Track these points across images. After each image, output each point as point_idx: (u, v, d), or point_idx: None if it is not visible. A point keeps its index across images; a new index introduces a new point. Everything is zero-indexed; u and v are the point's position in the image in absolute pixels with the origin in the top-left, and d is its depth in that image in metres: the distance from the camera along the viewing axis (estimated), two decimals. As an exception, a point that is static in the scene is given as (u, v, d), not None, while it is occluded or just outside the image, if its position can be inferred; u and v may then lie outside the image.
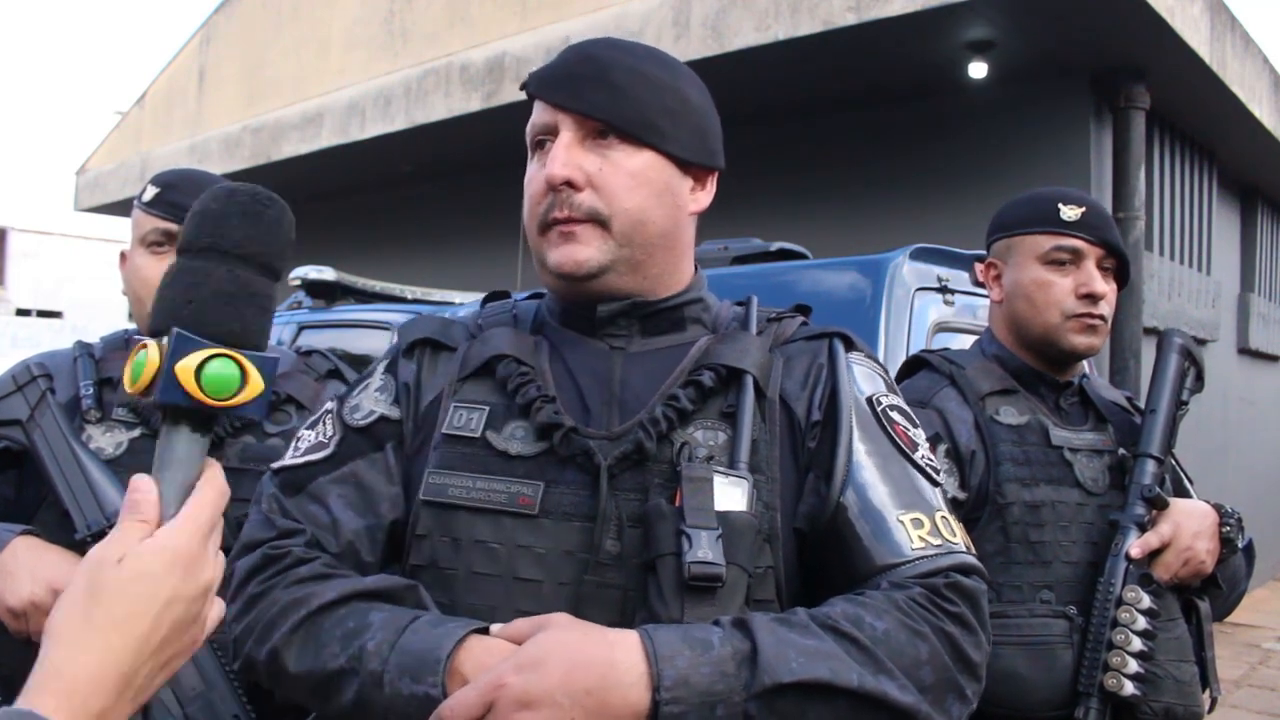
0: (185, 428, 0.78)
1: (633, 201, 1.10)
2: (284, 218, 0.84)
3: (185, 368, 0.75)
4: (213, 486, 0.77)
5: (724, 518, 0.98)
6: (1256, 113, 7.23)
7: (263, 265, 0.82)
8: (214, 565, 0.75)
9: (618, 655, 0.89)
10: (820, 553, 1.07)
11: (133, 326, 1.77)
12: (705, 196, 1.19)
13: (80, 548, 1.49)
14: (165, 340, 0.76)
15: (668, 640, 0.90)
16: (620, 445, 1.06)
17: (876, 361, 1.20)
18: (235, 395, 0.77)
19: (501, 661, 0.90)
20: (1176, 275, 7.42)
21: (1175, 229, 7.45)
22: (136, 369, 0.76)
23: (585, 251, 1.10)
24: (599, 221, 1.09)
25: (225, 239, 0.80)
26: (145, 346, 0.76)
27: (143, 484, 0.75)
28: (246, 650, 1.04)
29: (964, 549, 1.07)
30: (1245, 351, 9.09)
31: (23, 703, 0.65)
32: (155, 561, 0.71)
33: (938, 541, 1.05)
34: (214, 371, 0.76)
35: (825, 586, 1.05)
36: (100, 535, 1.48)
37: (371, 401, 1.17)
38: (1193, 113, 7.13)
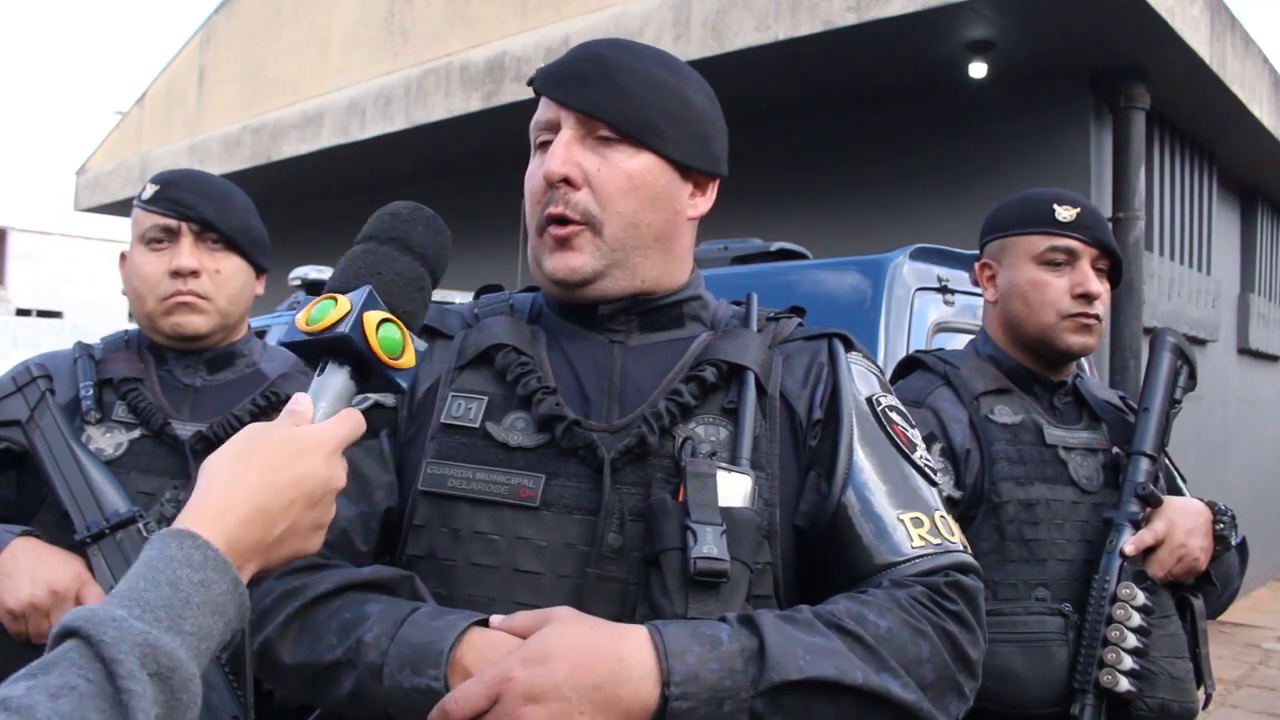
0: (346, 370, 0.91)
1: (627, 205, 1.10)
2: (449, 241, 1.03)
3: (371, 318, 0.89)
4: (352, 418, 0.90)
5: (727, 513, 0.99)
6: (1256, 113, 7.23)
7: (431, 269, 0.99)
8: (340, 476, 0.88)
9: (627, 650, 0.90)
10: (820, 550, 1.07)
11: (133, 327, 1.78)
12: (705, 202, 1.19)
13: (80, 549, 1.50)
14: (351, 295, 0.90)
15: (677, 636, 0.91)
16: (623, 439, 1.06)
17: (873, 363, 1.21)
18: (395, 359, 0.91)
19: (507, 655, 0.90)
20: (1176, 275, 7.42)
21: (1175, 229, 7.45)
22: (321, 311, 0.89)
23: (579, 259, 1.11)
24: (592, 224, 1.10)
25: (411, 238, 0.98)
26: (332, 298, 0.90)
27: (302, 399, 0.89)
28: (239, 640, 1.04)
29: (961, 548, 1.08)
30: (1245, 351, 9.09)
31: (179, 525, 0.79)
32: (303, 439, 0.85)
33: (936, 540, 1.06)
34: (387, 334, 0.90)
35: (825, 584, 1.06)
36: (100, 536, 1.50)
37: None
38: (1193, 113, 7.13)
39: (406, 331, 0.93)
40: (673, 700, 0.88)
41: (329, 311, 0.89)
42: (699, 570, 0.95)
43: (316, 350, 0.91)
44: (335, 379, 0.90)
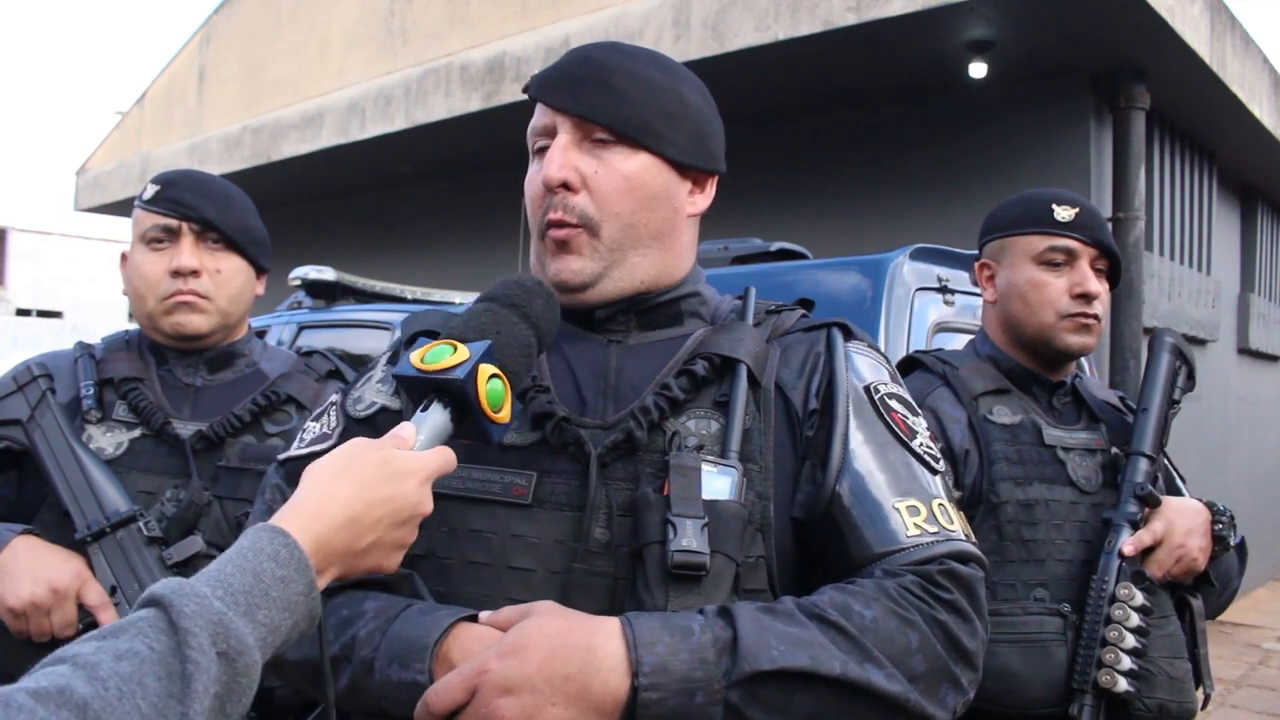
0: (450, 410, 0.97)
1: (624, 206, 1.11)
2: (559, 319, 1.09)
3: (484, 370, 0.96)
4: (446, 454, 0.96)
5: (711, 506, 0.99)
6: (1256, 113, 7.23)
7: (540, 339, 1.05)
8: (428, 504, 0.93)
9: (598, 641, 0.90)
10: (817, 541, 1.07)
11: (134, 327, 1.78)
12: (704, 199, 1.20)
13: (80, 547, 1.50)
14: (471, 346, 0.97)
15: (648, 627, 0.91)
16: (611, 434, 1.07)
17: (877, 350, 1.20)
18: (495, 412, 0.97)
19: (486, 648, 0.92)
20: (1176, 275, 7.42)
21: (1175, 229, 7.46)
22: (437, 355, 0.97)
23: (579, 262, 1.12)
24: (589, 226, 1.11)
25: (530, 307, 1.05)
26: (451, 344, 0.98)
27: (407, 428, 0.95)
28: None
29: (962, 536, 1.07)
30: (1245, 351, 9.09)
31: (275, 521, 0.85)
32: (402, 462, 0.91)
33: (934, 529, 1.05)
34: (493, 387, 0.97)
35: (823, 575, 1.05)
36: (100, 535, 1.50)
37: (373, 393, 1.19)
38: (1193, 113, 7.13)
39: (510, 390, 0.99)
40: (642, 691, 0.88)
41: (446, 356, 0.97)
42: (676, 564, 0.95)
43: (426, 388, 0.98)
44: (438, 416, 0.97)
